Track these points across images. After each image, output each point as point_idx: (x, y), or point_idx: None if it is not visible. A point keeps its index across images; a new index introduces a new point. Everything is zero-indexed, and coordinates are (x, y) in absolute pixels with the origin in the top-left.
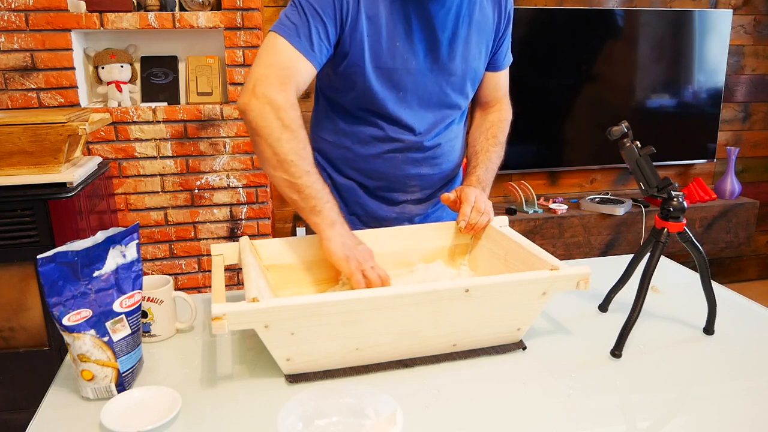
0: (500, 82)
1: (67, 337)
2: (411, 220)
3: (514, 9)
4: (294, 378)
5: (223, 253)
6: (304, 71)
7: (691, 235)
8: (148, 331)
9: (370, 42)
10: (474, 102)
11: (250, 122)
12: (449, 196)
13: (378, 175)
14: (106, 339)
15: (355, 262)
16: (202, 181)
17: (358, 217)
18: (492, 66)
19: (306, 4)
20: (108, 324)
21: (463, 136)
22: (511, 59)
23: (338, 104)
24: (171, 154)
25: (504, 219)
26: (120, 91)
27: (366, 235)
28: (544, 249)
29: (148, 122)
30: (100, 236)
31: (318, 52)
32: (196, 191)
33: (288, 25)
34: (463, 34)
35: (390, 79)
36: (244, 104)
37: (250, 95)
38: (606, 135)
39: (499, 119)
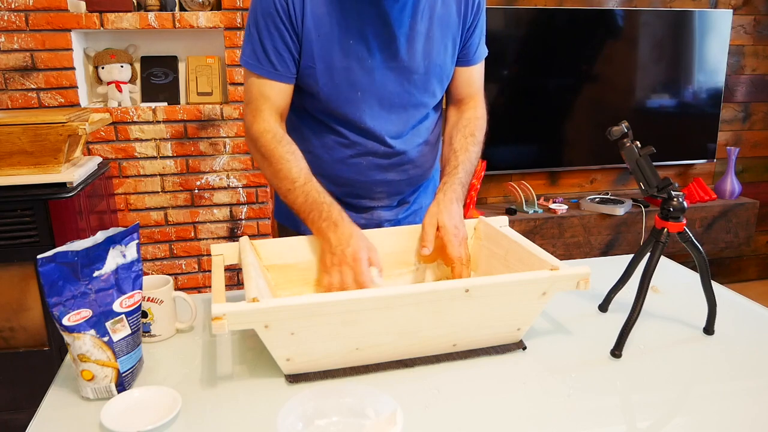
0: (474, 76)
1: (67, 337)
2: (380, 226)
3: (515, 9)
4: (294, 378)
5: (223, 253)
6: (274, 93)
7: (691, 235)
8: (148, 331)
9: (320, 42)
10: (447, 99)
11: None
12: (427, 231)
13: (343, 181)
14: (106, 339)
15: (323, 266)
16: (202, 181)
17: None
18: (463, 60)
19: (253, 22)
20: (108, 324)
21: (438, 140)
22: (486, 52)
23: (302, 109)
24: (171, 154)
25: (504, 219)
26: (120, 91)
27: (366, 235)
28: (544, 249)
29: (148, 122)
30: (100, 236)
31: (282, 67)
32: (196, 191)
33: (247, 53)
34: (422, 29)
35: (346, 79)
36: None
37: (246, 137)
38: (606, 135)
39: (475, 116)
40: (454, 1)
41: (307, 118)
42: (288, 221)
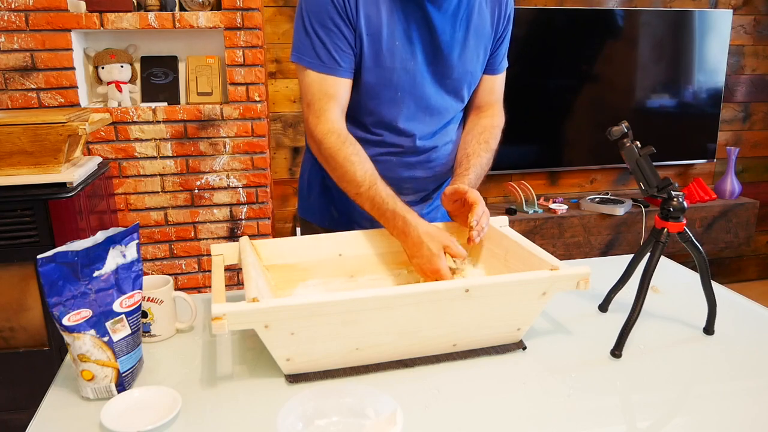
0: (495, 85)
1: (67, 337)
2: None
3: (515, 9)
4: (294, 378)
5: (223, 253)
6: (337, 91)
7: (691, 235)
8: (148, 331)
9: (369, 41)
10: (467, 105)
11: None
12: (451, 191)
13: None
14: (106, 339)
15: (418, 269)
16: (202, 181)
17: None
18: (488, 69)
19: (307, 20)
20: (108, 324)
21: (457, 140)
22: (507, 64)
23: None
24: (171, 154)
25: (504, 219)
26: (120, 91)
27: (366, 235)
28: (544, 249)
29: (148, 122)
30: (100, 236)
31: (343, 62)
32: (196, 191)
33: (306, 50)
34: (460, 36)
35: (389, 79)
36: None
37: (308, 139)
38: (606, 135)
39: (491, 125)
40: (489, 11)
41: None
42: (313, 217)
